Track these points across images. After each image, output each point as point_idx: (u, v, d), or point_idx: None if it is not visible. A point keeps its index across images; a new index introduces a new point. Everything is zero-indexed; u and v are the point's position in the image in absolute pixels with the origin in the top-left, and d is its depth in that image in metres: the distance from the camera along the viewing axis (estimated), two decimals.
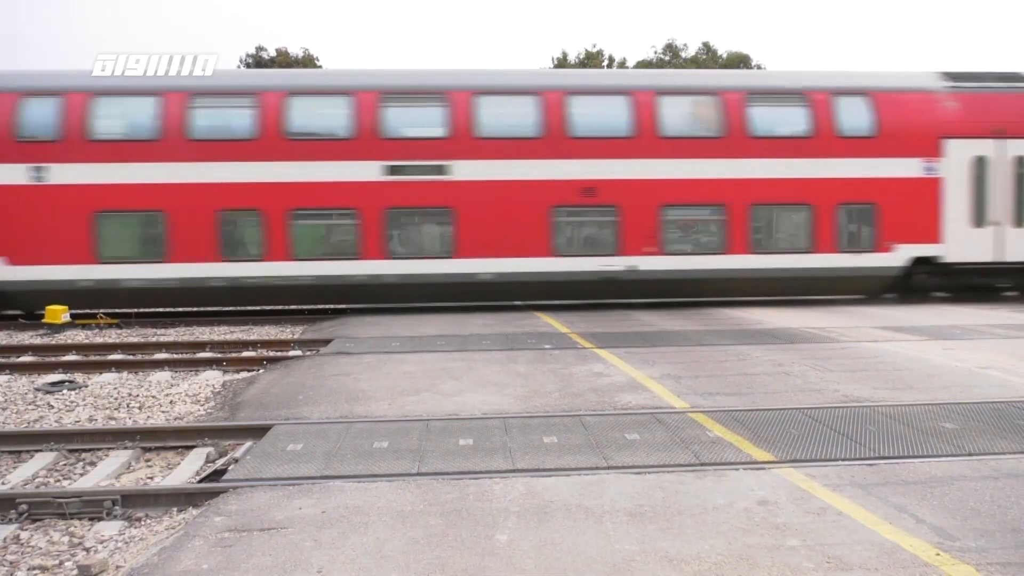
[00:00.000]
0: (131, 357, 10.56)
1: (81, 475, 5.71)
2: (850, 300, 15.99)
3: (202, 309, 15.69)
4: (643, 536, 3.81)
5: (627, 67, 40.44)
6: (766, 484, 4.56)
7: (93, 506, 4.73)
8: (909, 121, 15.28)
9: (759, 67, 40.29)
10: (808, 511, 4.11)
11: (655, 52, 42.99)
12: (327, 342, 11.04)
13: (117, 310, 14.98)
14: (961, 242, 15.30)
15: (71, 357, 10.61)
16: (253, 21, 76.76)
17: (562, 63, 41.32)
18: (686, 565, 3.47)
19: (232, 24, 76.74)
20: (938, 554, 3.53)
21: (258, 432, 6.07)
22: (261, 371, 9.37)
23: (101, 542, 4.37)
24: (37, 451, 6.09)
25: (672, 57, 42.10)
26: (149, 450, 6.19)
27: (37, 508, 4.73)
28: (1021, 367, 8.25)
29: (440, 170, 14.47)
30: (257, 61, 39.07)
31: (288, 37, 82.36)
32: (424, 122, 14.90)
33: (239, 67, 37.18)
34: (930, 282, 15.61)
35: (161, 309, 15.48)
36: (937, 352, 9.29)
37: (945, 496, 4.31)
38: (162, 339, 12.15)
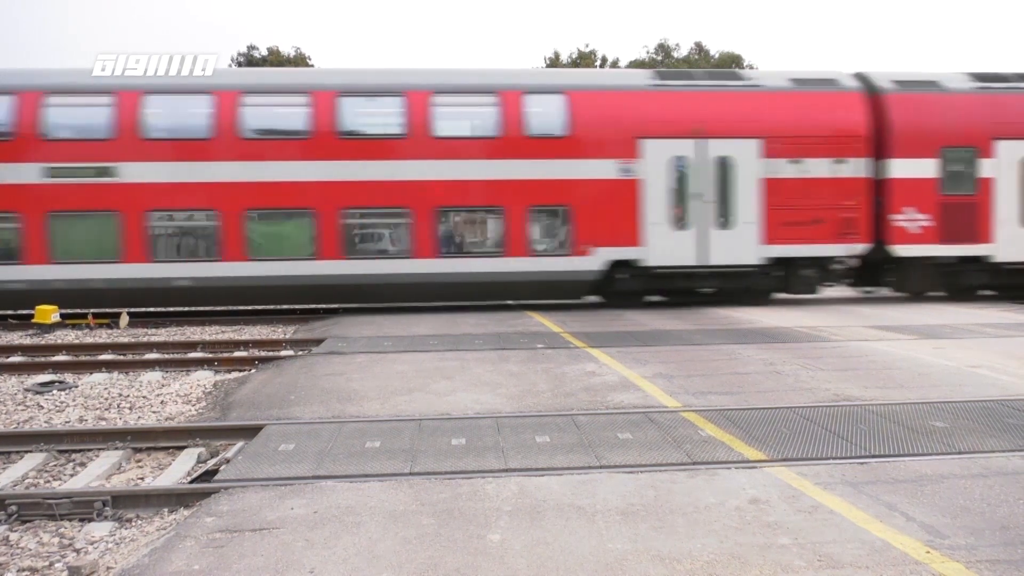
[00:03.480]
0: (121, 357, 10.50)
1: (71, 476, 5.67)
2: (845, 299, 16.02)
3: (194, 309, 15.59)
4: (635, 535, 3.82)
5: (620, 67, 40.51)
6: (758, 483, 4.58)
7: (83, 507, 4.71)
8: None
9: (751, 67, 40.41)
10: (799, 509, 4.13)
11: (647, 52, 43.11)
12: (319, 342, 11.01)
13: (108, 310, 14.85)
14: None
15: (61, 357, 10.54)
16: (246, 20, 76.53)
17: (554, 63, 41.36)
18: (678, 564, 3.48)
19: (226, 24, 76.48)
20: (928, 552, 3.55)
21: (250, 432, 6.05)
22: (253, 371, 9.34)
23: (91, 543, 4.35)
24: (27, 452, 6.05)
25: (664, 57, 42.21)
26: (140, 451, 6.16)
27: (27, 509, 4.70)
28: (1011, 366, 8.31)
29: None
30: (249, 60, 38.97)
31: (280, 36, 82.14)
32: None
33: (231, 66, 37.03)
34: None
35: (152, 308, 15.36)
36: (928, 351, 9.35)
37: (935, 494, 4.34)
38: (153, 339, 12.09)
